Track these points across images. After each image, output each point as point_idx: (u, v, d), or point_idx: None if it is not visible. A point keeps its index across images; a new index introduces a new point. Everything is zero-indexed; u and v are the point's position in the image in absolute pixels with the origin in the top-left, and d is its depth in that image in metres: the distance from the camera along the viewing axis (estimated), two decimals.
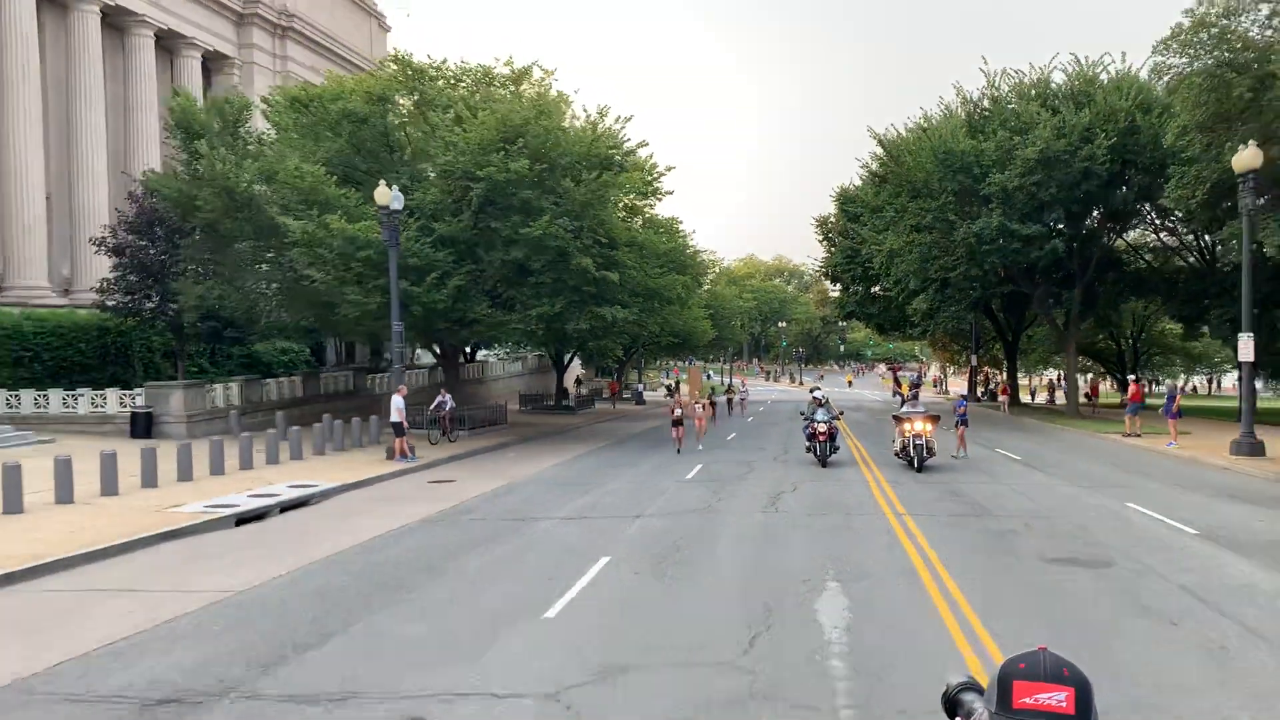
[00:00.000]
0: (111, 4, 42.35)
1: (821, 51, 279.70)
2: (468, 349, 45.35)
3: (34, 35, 38.56)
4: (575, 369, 61.40)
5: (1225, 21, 24.17)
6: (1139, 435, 28.57)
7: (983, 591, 9.67)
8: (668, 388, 67.48)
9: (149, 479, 18.39)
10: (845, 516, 14.74)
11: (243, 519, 15.67)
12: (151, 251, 34.46)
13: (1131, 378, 39.41)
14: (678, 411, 27.19)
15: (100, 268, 37.17)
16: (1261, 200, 23.37)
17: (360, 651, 7.79)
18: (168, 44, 48.35)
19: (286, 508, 17.03)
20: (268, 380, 34.14)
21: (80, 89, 41.08)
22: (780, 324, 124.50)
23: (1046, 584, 10.09)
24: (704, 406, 32.11)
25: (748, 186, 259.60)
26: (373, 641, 8.11)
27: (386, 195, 23.12)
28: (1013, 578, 10.47)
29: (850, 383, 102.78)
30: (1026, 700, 1.71)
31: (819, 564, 11.15)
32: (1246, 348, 21.82)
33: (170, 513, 15.40)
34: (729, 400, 49.41)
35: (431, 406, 29.96)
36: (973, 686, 2.11)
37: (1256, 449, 21.73)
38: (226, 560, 12.02)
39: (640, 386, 63.30)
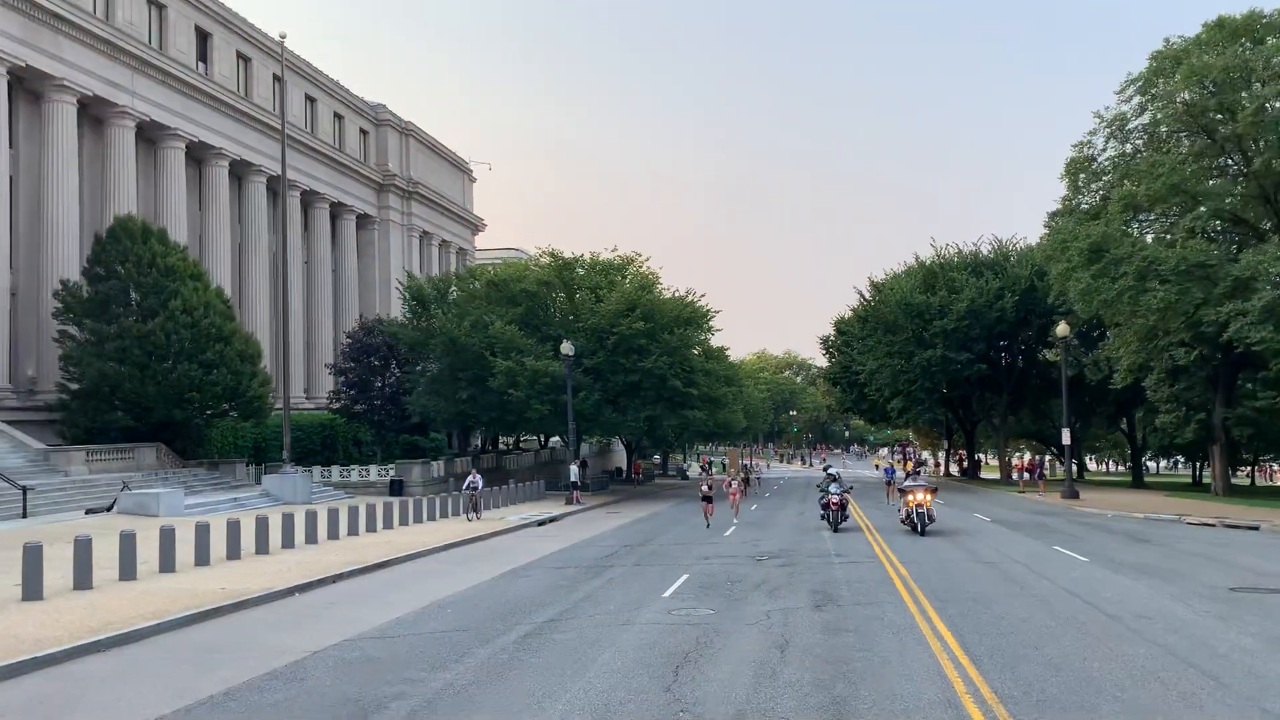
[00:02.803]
0: (305, 186, 59.87)
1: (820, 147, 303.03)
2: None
3: (264, 214, 56.23)
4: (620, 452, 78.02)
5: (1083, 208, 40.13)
6: (1022, 491, 44.80)
7: (918, 572, 25.73)
8: (703, 467, 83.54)
9: (442, 512, 34.34)
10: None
11: (536, 524, 31.90)
12: (360, 372, 51.55)
13: (1027, 457, 55.67)
14: (705, 488, 29.82)
15: (328, 382, 54.25)
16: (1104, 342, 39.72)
17: (632, 568, 23.91)
18: (334, 210, 65.90)
19: (544, 523, 33.18)
20: (460, 458, 50.57)
21: (290, 251, 58.76)
22: (791, 412, 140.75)
23: (948, 557, 25.71)
24: (740, 483, 36.80)
25: (756, 282, 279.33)
26: (641, 562, 24.22)
27: (569, 348, 39.99)
28: (934, 560, 26.35)
29: (878, 466, 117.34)
30: None
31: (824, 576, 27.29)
32: (1066, 436, 38.21)
33: (494, 524, 31.54)
34: (745, 479, 64.89)
35: (464, 486, 34.11)
36: None
37: (1071, 493, 37.92)
38: (540, 541, 28.11)
39: (685, 465, 79.72)
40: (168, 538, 18.76)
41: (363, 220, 69.98)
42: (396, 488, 44.03)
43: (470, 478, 33.86)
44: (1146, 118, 35.79)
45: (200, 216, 51.24)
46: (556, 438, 71.30)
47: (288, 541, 23.21)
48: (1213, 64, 31.34)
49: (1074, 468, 38.16)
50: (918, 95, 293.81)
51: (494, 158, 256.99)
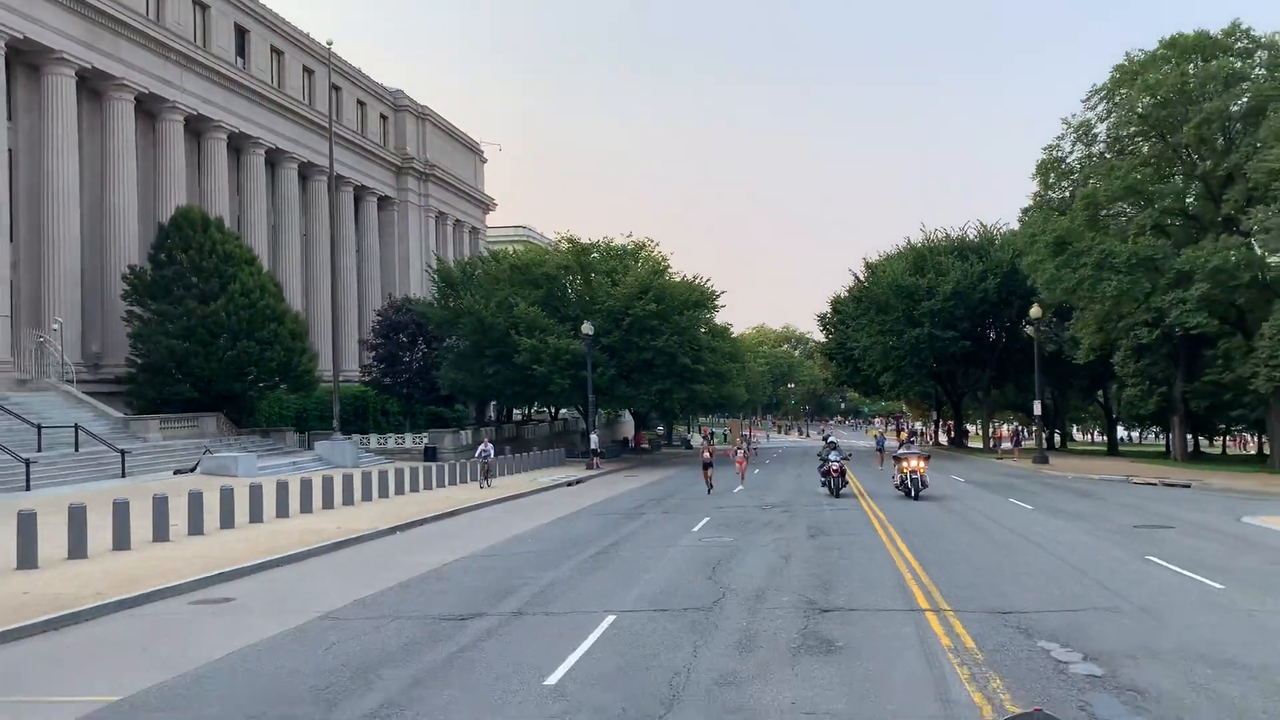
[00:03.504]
0: (334, 172, 63.73)
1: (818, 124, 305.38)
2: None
3: (296, 199, 60.04)
4: (628, 424, 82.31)
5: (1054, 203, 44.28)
6: (1000, 457, 49.16)
7: (904, 528, 30.02)
8: (707, 437, 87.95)
9: (469, 477, 38.63)
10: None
11: (565, 485, 36.14)
12: (390, 348, 55.63)
13: (1006, 427, 59.99)
14: (706, 455, 31.45)
15: (353, 356, 58.32)
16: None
17: (661, 515, 28.17)
18: (358, 193, 69.54)
19: (572, 484, 37.43)
20: (485, 428, 54.81)
21: (320, 236, 62.57)
22: (789, 385, 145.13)
23: (942, 526, 29.93)
24: (744, 452, 38.88)
25: (756, 257, 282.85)
26: (668, 510, 28.48)
27: (589, 328, 44.07)
28: (910, 510, 30.57)
29: (875, 436, 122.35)
30: None
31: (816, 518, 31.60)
32: (1038, 407, 42.46)
33: (529, 485, 35.81)
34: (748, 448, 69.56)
35: (476, 455, 35.23)
36: None
37: (1041, 459, 42.24)
38: (566, 499, 32.36)
39: (688, 436, 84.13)
40: (257, 492, 22.50)
41: (383, 202, 73.62)
42: (430, 454, 48.24)
43: (482, 446, 34.83)
44: (1110, 124, 39.76)
45: (238, 201, 55.03)
46: (565, 410, 75.58)
47: (360, 497, 27.42)
48: (1164, 80, 35.30)
49: (1050, 437, 42.38)
50: (918, 73, 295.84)
51: (498, 136, 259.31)
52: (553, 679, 8.58)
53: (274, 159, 58.44)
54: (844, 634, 10.18)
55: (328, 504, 25.78)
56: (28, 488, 28.40)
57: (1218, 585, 12.88)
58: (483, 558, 16.52)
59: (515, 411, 74.33)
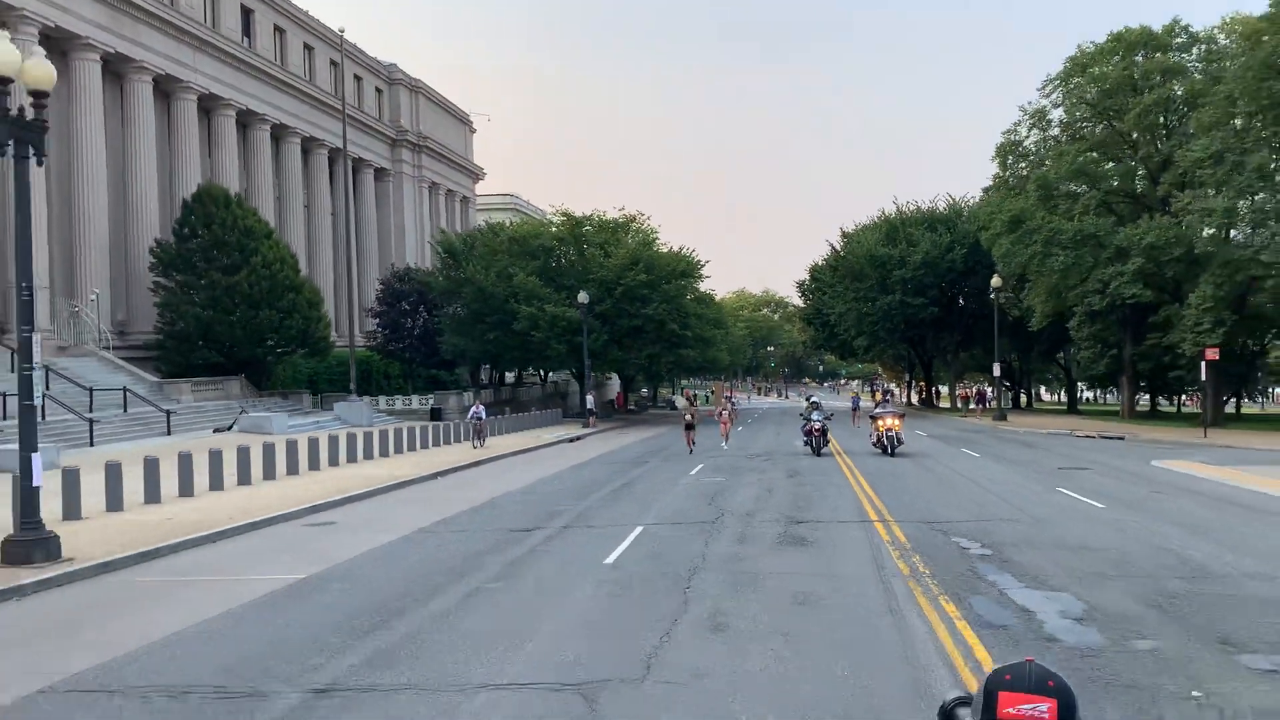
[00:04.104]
0: (333, 145, 66.25)
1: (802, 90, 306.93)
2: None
3: (298, 171, 62.83)
4: (615, 386, 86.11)
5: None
6: (964, 415, 53.27)
7: (868, 473, 33.88)
8: (690, 399, 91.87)
9: (467, 436, 42.31)
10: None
11: (567, 441, 39.82)
12: (393, 315, 58.84)
13: (975, 388, 64.16)
14: (688, 417, 32.47)
15: (356, 323, 61.39)
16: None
17: (661, 463, 31.93)
18: (356, 166, 72.16)
19: (574, 440, 41.07)
20: (485, 389, 58.34)
21: (321, 208, 65.37)
22: (769, 348, 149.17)
23: (896, 469, 33.87)
24: (727, 413, 39.18)
25: (737, 222, 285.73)
26: (667, 459, 32.23)
27: (585, 297, 47.51)
28: (878, 461, 34.47)
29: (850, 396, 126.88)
30: (1010, 710, 1.73)
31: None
32: (996, 369, 46.43)
33: (532, 441, 39.43)
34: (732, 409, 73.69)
35: (469, 416, 35.65)
36: (966, 701, 2.09)
37: (1000, 416, 46.33)
38: (572, 452, 36.06)
39: (673, 397, 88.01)
40: (298, 446, 26.00)
41: (379, 174, 76.21)
42: (436, 414, 51.71)
43: (474, 408, 35.13)
44: (1063, 111, 43.35)
45: (245, 175, 57.74)
46: (554, 374, 79.13)
47: (393, 450, 30.97)
48: (1109, 73, 38.87)
49: (1016, 397, 46.29)
50: (897, 51, 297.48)
51: (482, 104, 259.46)
52: (609, 559, 12.29)
53: (278, 134, 61.04)
54: (812, 535, 13.95)
55: (367, 455, 29.30)
56: (91, 444, 31.72)
57: (1100, 506, 16.77)
58: (521, 494, 20.18)
59: (507, 374, 77.85)
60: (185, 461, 20.89)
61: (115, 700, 7.38)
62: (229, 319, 43.70)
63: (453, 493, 20.68)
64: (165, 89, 50.49)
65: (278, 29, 61.30)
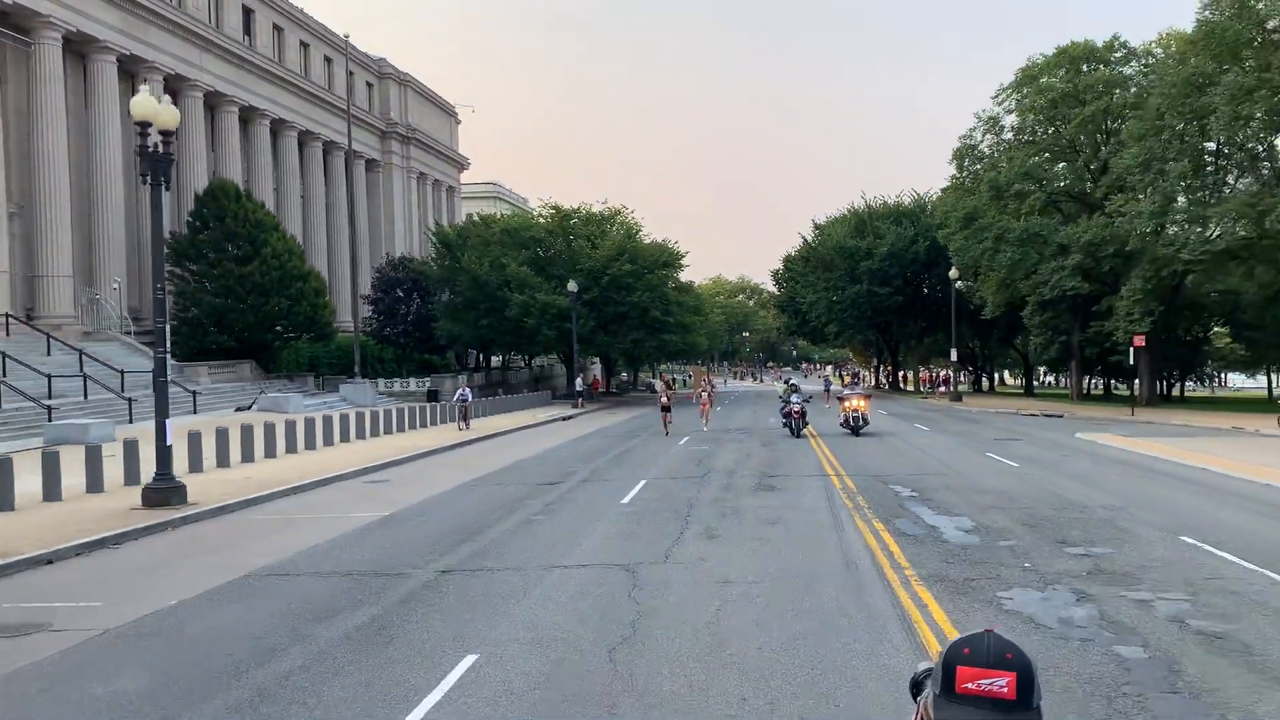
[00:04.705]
0: (327, 138, 69.23)
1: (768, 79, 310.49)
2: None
3: (295, 164, 65.63)
4: (595, 369, 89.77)
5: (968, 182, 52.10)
6: (926, 397, 57.32)
7: (832, 445, 37.63)
8: (667, 383, 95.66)
9: (475, 414, 45.75)
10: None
11: (561, 419, 43.33)
12: (388, 302, 61.97)
13: (943, 372, 68.26)
14: (664, 400, 33.84)
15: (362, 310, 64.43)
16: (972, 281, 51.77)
17: (650, 436, 35.59)
18: (348, 157, 74.76)
19: (567, 418, 44.57)
20: (479, 373, 61.70)
21: (317, 198, 68.25)
22: (744, 333, 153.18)
23: (856, 440, 37.59)
24: (708, 394, 40.18)
25: (714, 211, 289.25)
26: (650, 438, 35.88)
27: (574, 286, 50.95)
28: (847, 443, 38.24)
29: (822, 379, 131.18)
30: (969, 685, 1.71)
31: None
32: (954, 354, 50.39)
33: (529, 419, 42.91)
34: (711, 392, 77.54)
35: (455, 399, 35.92)
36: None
37: (956, 398, 50.31)
38: (568, 429, 39.59)
39: (653, 380, 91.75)
40: (320, 422, 29.37)
41: (370, 165, 78.97)
42: (433, 395, 54.99)
43: (460, 391, 35.47)
44: (1015, 117, 47.22)
45: (246, 168, 60.51)
46: (539, 358, 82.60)
47: (407, 426, 34.35)
48: (1054, 84, 42.77)
49: (978, 380, 50.16)
50: (868, 47, 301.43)
51: (470, 91, 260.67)
52: (625, 500, 15.89)
53: (276, 128, 63.72)
54: (781, 484, 17.63)
55: (386, 431, 32.68)
56: (131, 420, 34.83)
57: (1016, 465, 20.61)
58: (537, 459, 23.73)
59: (493, 358, 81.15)
60: (269, 431, 24.40)
61: (303, 579, 10.87)
62: (241, 306, 46.74)
63: (478, 459, 24.17)
64: (174, 88, 53.08)
65: (276, 28, 63.90)
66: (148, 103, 15.53)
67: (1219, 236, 35.17)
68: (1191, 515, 13.98)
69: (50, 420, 30.40)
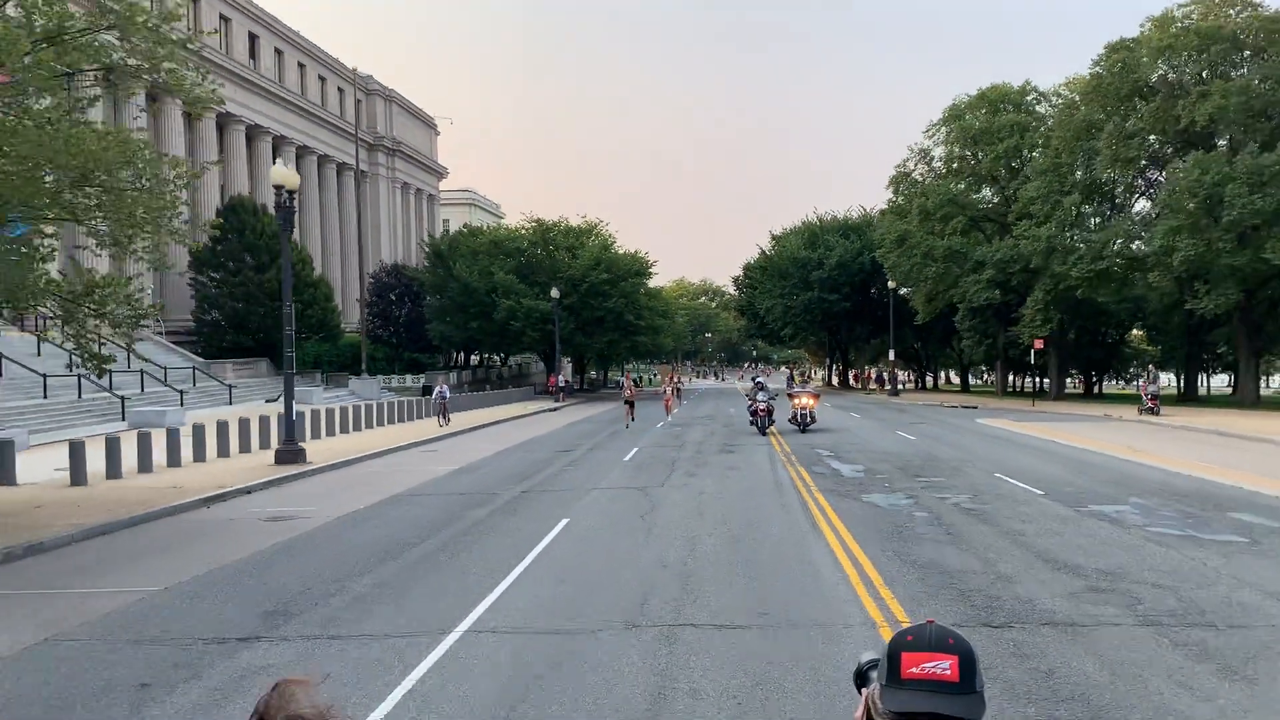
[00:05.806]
0: (322, 152, 74.71)
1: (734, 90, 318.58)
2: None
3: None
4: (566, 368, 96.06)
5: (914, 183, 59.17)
6: (869, 392, 64.32)
7: (787, 440, 44.20)
8: (633, 381, 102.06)
9: (468, 407, 51.76)
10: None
11: (549, 410, 49.50)
12: (382, 305, 67.76)
13: (884, 371, 75.55)
14: (628, 394, 37.04)
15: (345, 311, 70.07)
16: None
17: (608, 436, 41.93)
18: (339, 169, 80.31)
19: (552, 410, 50.71)
20: (465, 370, 67.68)
21: (311, 207, 73.71)
22: (707, 334, 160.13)
23: (806, 438, 44.23)
24: (673, 391, 46.29)
25: (677, 214, 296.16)
26: (623, 431, 42.23)
27: (556, 293, 57.16)
28: (797, 438, 44.76)
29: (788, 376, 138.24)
30: (914, 670, 1.78)
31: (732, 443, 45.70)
32: (892, 354, 57.33)
33: (521, 410, 49.01)
34: (677, 389, 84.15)
35: (434, 395, 36.78)
36: (877, 663, 2.07)
37: (894, 393, 57.26)
38: (557, 418, 45.84)
39: (621, 379, 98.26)
40: (344, 413, 35.39)
41: (359, 176, 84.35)
42: (428, 391, 60.76)
43: (439, 388, 36.47)
44: (942, 149, 54.42)
45: (252, 182, 65.92)
46: (514, 357, 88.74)
47: (420, 416, 40.34)
48: (972, 124, 49.96)
49: (921, 378, 56.82)
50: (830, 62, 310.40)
51: (444, 101, 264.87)
52: (626, 459, 22.30)
53: (278, 144, 69.14)
54: (738, 450, 24.15)
55: (405, 419, 38.65)
56: (182, 406, 40.44)
57: (913, 438, 27.32)
58: (547, 438, 30.01)
59: (472, 357, 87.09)
60: (315, 417, 30.23)
61: (434, 497, 17.06)
62: (259, 310, 52.34)
63: (498, 438, 30.38)
64: (189, 110, 58.48)
65: (277, 51, 69.35)
66: (284, 171, 21.56)
67: (1104, 257, 42.29)
68: (1014, 464, 20.69)
69: (124, 409, 36.04)
